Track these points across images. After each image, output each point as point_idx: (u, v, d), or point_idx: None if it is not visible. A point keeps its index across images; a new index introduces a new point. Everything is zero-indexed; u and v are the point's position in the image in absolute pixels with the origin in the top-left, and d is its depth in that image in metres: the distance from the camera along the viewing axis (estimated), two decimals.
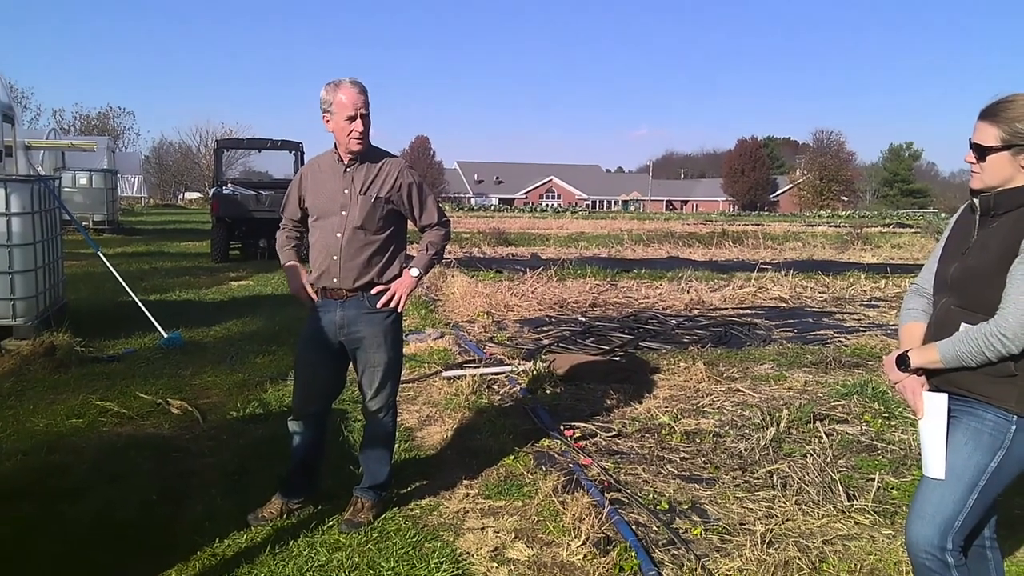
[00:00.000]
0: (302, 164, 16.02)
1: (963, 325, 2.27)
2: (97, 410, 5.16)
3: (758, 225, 35.25)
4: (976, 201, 2.36)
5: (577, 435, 4.80)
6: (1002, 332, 2.15)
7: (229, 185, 16.53)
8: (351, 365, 3.67)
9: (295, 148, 16.14)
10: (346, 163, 3.49)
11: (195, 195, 59.42)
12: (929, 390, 2.36)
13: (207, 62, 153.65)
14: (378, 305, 3.52)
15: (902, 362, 2.40)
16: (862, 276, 13.61)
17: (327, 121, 3.43)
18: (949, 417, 2.32)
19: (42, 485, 3.93)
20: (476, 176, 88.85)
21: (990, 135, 2.28)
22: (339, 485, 3.88)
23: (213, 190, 16.26)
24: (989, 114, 2.29)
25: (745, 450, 4.59)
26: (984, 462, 2.27)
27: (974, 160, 2.33)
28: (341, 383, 3.78)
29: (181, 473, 4.16)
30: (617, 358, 7.01)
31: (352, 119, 3.36)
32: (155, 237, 21.84)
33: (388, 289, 3.53)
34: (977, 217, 2.36)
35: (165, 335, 7.34)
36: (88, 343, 6.92)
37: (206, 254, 15.72)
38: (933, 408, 2.33)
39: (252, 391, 5.75)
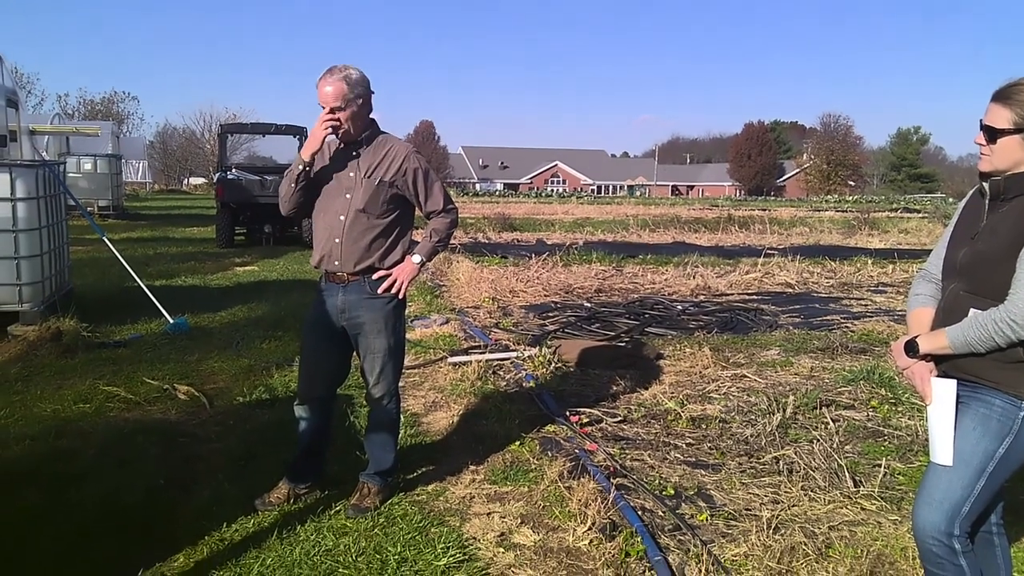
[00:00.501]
0: None
1: (972, 311, 2.26)
2: (104, 395, 5.17)
3: (764, 210, 35.15)
4: (986, 185, 2.34)
5: (583, 421, 4.80)
6: (1011, 317, 2.14)
7: (234, 170, 16.50)
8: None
9: (299, 133, 16.09)
10: (352, 147, 3.48)
11: (200, 180, 59.44)
12: (937, 376, 2.35)
13: (211, 47, 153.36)
14: (379, 291, 3.51)
15: (910, 348, 2.39)
16: (869, 261, 13.56)
17: None
18: (957, 403, 2.31)
19: (49, 470, 3.95)
20: (481, 161, 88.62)
21: (1002, 117, 2.25)
22: (345, 470, 3.89)
23: (218, 175, 16.23)
24: (1002, 96, 2.27)
25: (751, 436, 4.59)
26: (992, 448, 2.26)
27: (984, 142, 2.31)
28: (346, 368, 3.77)
29: (188, 458, 4.17)
30: (623, 344, 7.01)
31: (324, 110, 3.36)
32: (160, 222, 21.85)
33: (389, 274, 3.53)
34: (987, 201, 2.34)
35: (171, 320, 7.36)
36: (94, 328, 6.94)
37: (211, 239, 15.73)
38: (941, 394, 2.32)
39: (258, 376, 5.76)
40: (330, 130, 3.40)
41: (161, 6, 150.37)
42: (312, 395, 3.67)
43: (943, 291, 2.43)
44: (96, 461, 4.08)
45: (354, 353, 3.68)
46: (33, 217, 6.93)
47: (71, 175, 19.86)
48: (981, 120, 2.31)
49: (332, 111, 3.34)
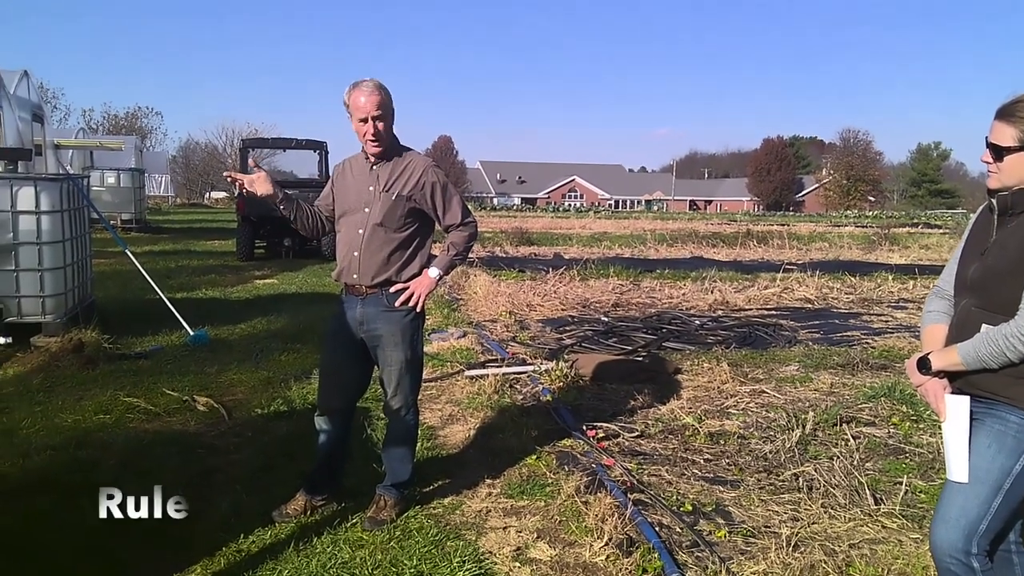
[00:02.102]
0: (327, 163, 16.15)
1: (984, 326, 2.25)
2: (124, 406, 5.22)
3: (783, 225, 34.96)
4: (994, 200, 2.33)
5: (600, 435, 4.78)
6: (1022, 333, 2.13)
7: None
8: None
9: (320, 147, 16.26)
10: (372, 161, 3.51)
11: (221, 194, 59.95)
12: (951, 392, 2.33)
13: (234, 62, 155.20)
14: (396, 304, 3.52)
15: (923, 365, 2.38)
16: (890, 277, 13.44)
17: (351, 121, 3.46)
18: (972, 420, 2.29)
19: (70, 479, 3.97)
20: (499, 176, 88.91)
21: (1007, 135, 2.25)
22: (362, 483, 3.90)
23: (239, 189, 16.38)
24: (1006, 114, 2.26)
25: (770, 452, 4.55)
26: (1008, 465, 2.24)
27: (991, 160, 2.31)
28: (366, 380, 3.78)
29: (207, 470, 4.20)
30: (640, 358, 6.98)
31: (363, 121, 3.38)
32: (182, 236, 22.08)
33: (407, 287, 3.54)
34: (995, 217, 2.33)
35: (191, 333, 7.42)
36: (116, 340, 7.00)
37: (232, 253, 15.87)
38: (955, 411, 2.30)
39: (277, 389, 5.79)
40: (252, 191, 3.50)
41: (186, 21, 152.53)
42: (331, 407, 3.69)
43: (955, 307, 2.42)
44: (116, 471, 4.11)
45: (374, 365, 3.70)
46: (57, 230, 7.03)
47: (95, 189, 20.14)
48: (987, 138, 2.31)
49: (373, 121, 3.37)
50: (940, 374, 2.36)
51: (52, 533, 3.41)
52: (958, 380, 2.34)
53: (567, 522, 3.58)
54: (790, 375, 6.47)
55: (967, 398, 2.29)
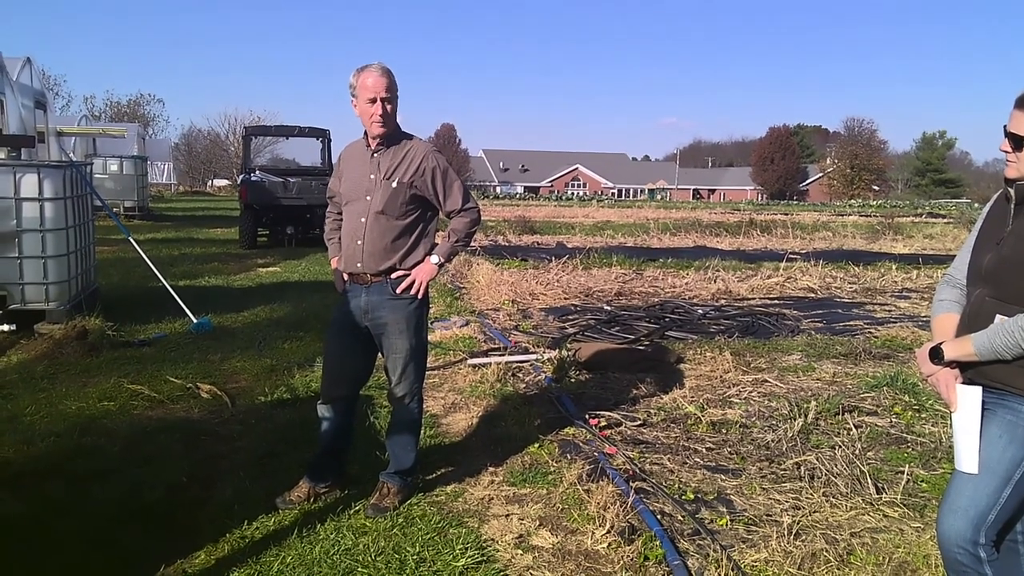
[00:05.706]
0: (329, 151, 16.12)
1: (998, 317, 2.23)
2: (128, 393, 5.23)
3: (787, 214, 34.83)
4: (1011, 190, 2.31)
5: (602, 424, 4.79)
6: None
7: (257, 172, 16.62)
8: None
9: (322, 135, 16.23)
10: (373, 148, 3.51)
11: (224, 182, 59.85)
12: (963, 383, 2.32)
13: (235, 50, 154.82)
14: (397, 291, 3.53)
15: (935, 355, 2.36)
16: (893, 267, 13.40)
17: (354, 105, 3.45)
18: (983, 410, 2.28)
19: (74, 466, 4.00)
20: (502, 164, 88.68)
21: None
22: (366, 470, 3.91)
23: (241, 177, 16.37)
24: None
25: (772, 441, 4.56)
26: (1019, 456, 2.23)
27: (1010, 149, 2.29)
28: (369, 368, 3.80)
29: (210, 456, 4.21)
30: (643, 347, 6.98)
31: (372, 102, 3.38)
32: (184, 223, 22.06)
33: (408, 274, 3.54)
34: (1012, 206, 2.31)
35: (195, 320, 7.43)
36: (119, 327, 7.02)
37: (234, 240, 15.85)
38: (967, 401, 2.29)
39: (280, 376, 5.81)
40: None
41: (188, 8, 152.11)
42: (335, 395, 3.70)
43: (968, 297, 2.40)
44: (120, 458, 4.13)
45: (377, 354, 3.71)
46: (60, 217, 7.03)
47: (98, 176, 20.09)
48: (1005, 127, 2.29)
49: (382, 102, 3.37)
50: (952, 364, 2.35)
51: (56, 519, 3.42)
52: (969, 370, 2.33)
53: (569, 510, 3.59)
54: (793, 364, 6.47)
55: (979, 388, 2.28)
